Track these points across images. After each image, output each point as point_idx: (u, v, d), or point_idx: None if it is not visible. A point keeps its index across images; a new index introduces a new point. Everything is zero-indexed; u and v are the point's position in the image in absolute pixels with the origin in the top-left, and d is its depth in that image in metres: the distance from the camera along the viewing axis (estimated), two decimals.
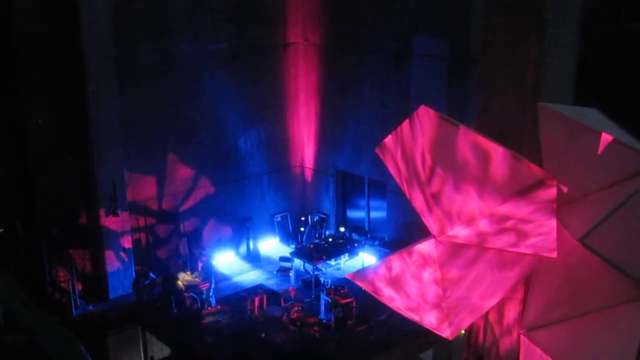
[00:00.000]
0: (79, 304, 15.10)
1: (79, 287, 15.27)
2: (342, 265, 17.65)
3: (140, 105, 16.04)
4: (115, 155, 15.59)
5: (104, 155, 15.33)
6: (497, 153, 6.65)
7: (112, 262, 15.84)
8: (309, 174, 20.14)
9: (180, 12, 16.68)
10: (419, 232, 8.03)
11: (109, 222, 15.60)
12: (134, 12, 15.82)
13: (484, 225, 6.88)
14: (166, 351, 14.96)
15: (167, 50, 16.54)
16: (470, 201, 6.79)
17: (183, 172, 17.42)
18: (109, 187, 15.37)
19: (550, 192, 6.48)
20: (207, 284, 15.58)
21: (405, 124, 7.29)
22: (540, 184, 6.41)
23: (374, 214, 18.78)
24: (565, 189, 7.50)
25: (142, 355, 15.38)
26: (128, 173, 16.12)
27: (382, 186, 17.82)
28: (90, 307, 15.30)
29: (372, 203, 18.74)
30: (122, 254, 15.97)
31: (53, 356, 4.52)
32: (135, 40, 15.94)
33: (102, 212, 15.47)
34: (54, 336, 4.94)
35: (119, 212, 15.62)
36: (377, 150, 8.23)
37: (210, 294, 15.56)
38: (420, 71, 16.16)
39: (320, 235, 18.94)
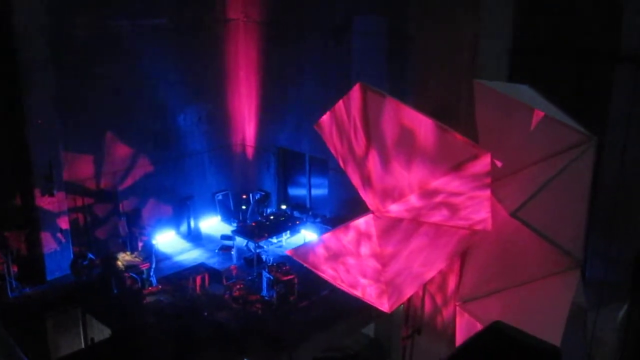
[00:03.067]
0: (14, 286, 14.75)
1: (14, 269, 14.88)
2: (283, 243, 17.72)
3: (77, 82, 15.60)
4: (50, 134, 15.17)
5: (39, 133, 14.90)
6: (427, 126, 6.74)
7: (49, 244, 15.49)
8: (250, 152, 20.06)
9: None
10: (360, 208, 8.12)
11: (45, 203, 15.23)
12: None
13: (419, 200, 7.00)
14: (107, 333, 14.78)
15: (104, 26, 16.09)
16: (404, 177, 6.90)
17: (121, 151, 17.09)
18: (44, 166, 14.98)
19: (484, 167, 6.63)
20: (148, 264, 15.44)
21: (340, 103, 7.36)
22: (473, 159, 6.55)
23: (315, 191, 18.86)
24: (499, 164, 7.67)
25: (82, 337, 15.15)
26: (64, 152, 15.73)
27: (324, 163, 17.89)
28: (27, 290, 14.96)
29: (314, 180, 18.80)
30: (59, 235, 15.63)
31: None
32: (70, 16, 15.45)
33: (37, 192, 15.07)
34: None
35: (55, 192, 15.26)
36: (316, 128, 8.29)
37: (151, 273, 15.43)
38: (360, 48, 16.20)
39: (261, 213, 18.93)
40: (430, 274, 8.09)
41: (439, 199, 6.96)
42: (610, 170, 11.09)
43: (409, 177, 6.81)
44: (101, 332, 14.94)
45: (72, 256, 15.72)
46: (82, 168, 16.37)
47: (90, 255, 15.51)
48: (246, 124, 19.83)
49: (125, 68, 16.55)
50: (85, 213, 16.66)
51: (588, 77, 11.54)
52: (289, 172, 19.58)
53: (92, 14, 15.83)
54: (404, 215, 7.30)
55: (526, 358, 4.41)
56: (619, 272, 11.57)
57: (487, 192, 6.95)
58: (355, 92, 7.09)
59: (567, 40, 11.66)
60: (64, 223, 15.73)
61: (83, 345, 14.97)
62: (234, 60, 19.13)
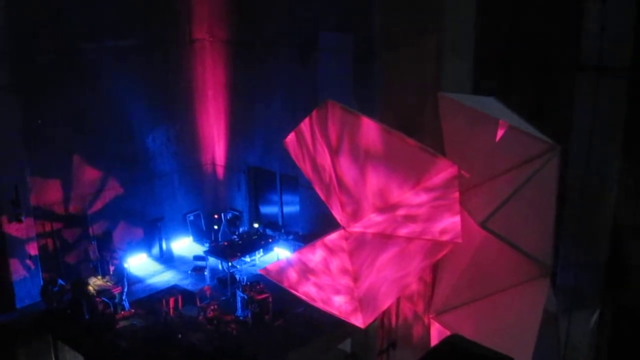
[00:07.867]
0: None
1: None
2: (257, 261, 17.64)
3: (42, 106, 15.43)
4: (15, 159, 14.97)
5: (4, 159, 14.69)
6: (392, 140, 6.79)
7: (18, 271, 15.21)
8: (220, 171, 19.99)
9: (77, 8, 16.06)
10: (332, 224, 8.13)
11: (12, 229, 14.97)
12: (28, 9, 15.17)
13: (390, 215, 7.03)
14: (80, 359, 14.57)
15: (67, 48, 15.94)
16: (370, 192, 6.92)
17: (90, 174, 16.91)
18: (10, 192, 14.75)
19: (453, 179, 6.69)
20: (120, 288, 15.22)
21: (305, 121, 7.38)
22: (440, 171, 6.61)
23: (287, 209, 18.83)
24: (467, 176, 7.72)
25: None
26: (31, 177, 15.51)
27: (294, 180, 17.88)
28: None
29: (285, 198, 18.78)
30: (27, 261, 15.36)
31: None
32: (32, 40, 15.31)
33: (4, 219, 14.81)
34: None
35: (23, 218, 14.99)
36: (284, 146, 8.32)
37: (123, 297, 15.21)
38: (326, 66, 16.26)
39: (234, 232, 18.84)
40: (406, 281, 8.10)
41: (413, 212, 7.00)
42: (576, 177, 11.27)
43: (376, 192, 6.84)
44: (74, 359, 14.72)
45: (42, 282, 15.45)
46: (50, 193, 16.16)
47: (61, 281, 15.27)
48: (215, 144, 19.78)
49: (91, 90, 16.40)
50: (54, 238, 16.42)
51: (552, 86, 11.74)
52: (260, 191, 19.54)
53: (54, 38, 15.69)
54: (377, 230, 7.32)
55: None
56: (589, 278, 11.73)
57: (457, 206, 7.01)
58: (319, 109, 7.13)
59: (529, 51, 11.86)
60: (32, 249, 15.47)
61: None
62: (201, 80, 19.11)
